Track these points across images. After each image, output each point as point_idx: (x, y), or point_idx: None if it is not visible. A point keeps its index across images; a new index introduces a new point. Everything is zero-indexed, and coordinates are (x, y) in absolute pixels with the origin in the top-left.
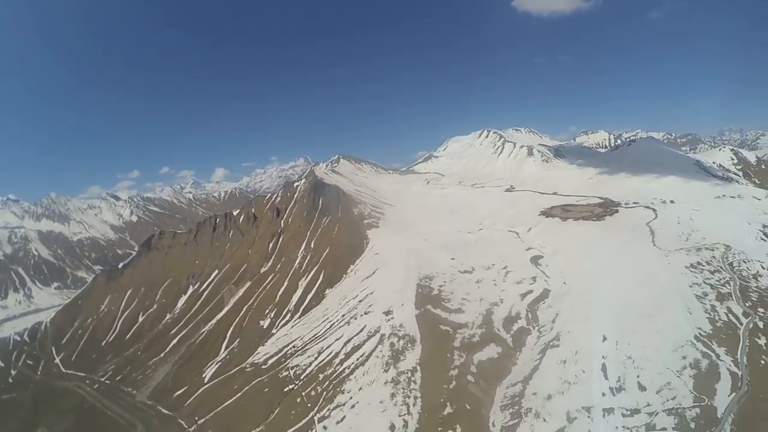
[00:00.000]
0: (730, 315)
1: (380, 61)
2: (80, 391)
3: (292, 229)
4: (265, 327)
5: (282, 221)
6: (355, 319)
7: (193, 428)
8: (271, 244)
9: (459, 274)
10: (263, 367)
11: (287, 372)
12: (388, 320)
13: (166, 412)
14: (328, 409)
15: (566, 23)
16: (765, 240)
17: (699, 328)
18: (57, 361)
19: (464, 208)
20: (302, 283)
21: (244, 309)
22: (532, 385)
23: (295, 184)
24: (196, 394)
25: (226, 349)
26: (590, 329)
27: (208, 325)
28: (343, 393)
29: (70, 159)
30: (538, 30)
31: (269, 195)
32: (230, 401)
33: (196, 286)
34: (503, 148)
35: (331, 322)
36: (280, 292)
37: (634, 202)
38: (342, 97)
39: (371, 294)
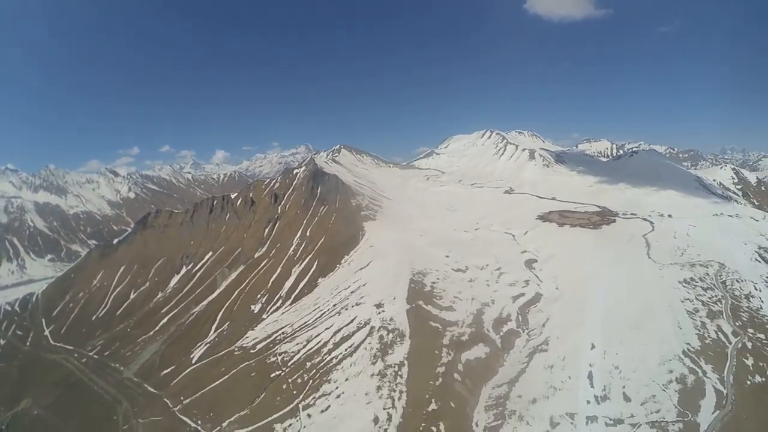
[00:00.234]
0: (719, 333)
1: (387, 54)
2: (68, 365)
3: (289, 215)
4: (255, 312)
5: (279, 207)
6: (346, 309)
7: (178, 408)
8: (266, 230)
9: (452, 272)
10: (251, 351)
11: (275, 358)
12: (379, 313)
13: (152, 390)
14: (314, 398)
15: (576, 29)
16: (759, 261)
17: (687, 344)
18: (46, 333)
19: (462, 206)
20: (295, 271)
21: (236, 292)
22: (518, 388)
23: (295, 171)
24: (183, 374)
25: (215, 331)
26: (579, 336)
27: (199, 306)
28: (329, 382)
29: (72, 131)
30: (547, 34)
31: (268, 180)
32: (216, 383)
33: (189, 267)
34: (505, 149)
35: (322, 311)
36: (272, 278)
37: (632, 213)
38: (347, 87)
39: (363, 286)
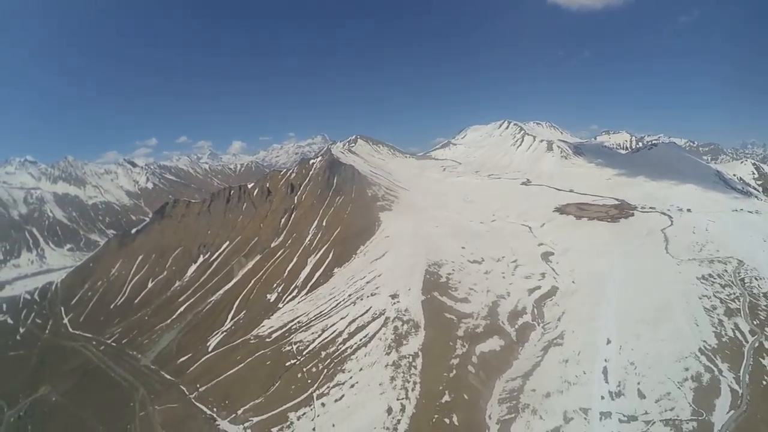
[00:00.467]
0: (736, 331)
1: (405, 45)
2: (86, 352)
3: (305, 205)
4: (271, 301)
5: (295, 197)
6: (361, 299)
7: (194, 395)
8: (283, 220)
9: (468, 264)
10: (267, 340)
11: (290, 347)
12: (394, 304)
13: (169, 377)
14: (328, 387)
15: (595, 19)
16: None
17: (704, 341)
18: (65, 321)
19: (479, 197)
20: (311, 260)
21: (252, 282)
22: (532, 382)
23: (311, 162)
24: (199, 362)
25: (231, 319)
26: (595, 331)
27: (215, 295)
28: (343, 372)
29: (90, 123)
30: (565, 23)
31: (284, 170)
32: (232, 371)
33: (206, 256)
34: (522, 140)
35: (337, 301)
36: (288, 268)
37: (650, 207)
38: (364, 78)
39: (379, 276)
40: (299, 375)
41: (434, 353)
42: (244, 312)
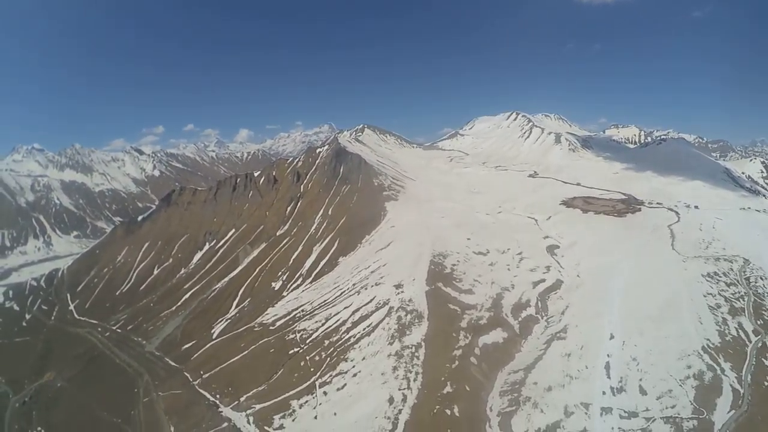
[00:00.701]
0: (740, 331)
1: (415, 38)
2: (91, 338)
3: (311, 194)
4: (276, 289)
5: (302, 186)
6: (366, 289)
7: (197, 381)
8: (289, 208)
9: (473, 255)
10: (271, 328)
11: (294, 335)
12: (398, 294)
13: (173, 364)
14: (330, 375)
15: (607, 11)
16: None
17: (707, 340)
18: (71, 307)
19: (485, 189)
20: (316, 249)
21: (258, 269)
22: (534, 375)
23: (318, 150)
24: (203, 349)
25: (236, 307)
26: (599, 326)
27: (220, 283)
28: (346, 361)
29: (98, 112)
30: (575, 15)
31: (291, 159)
32: (236, 359)
33: (212, 244)
34: (531, 132)
35: (342, 290)
36: (294, 256)
37: (657, 203)
38: (372, 68)
39: (384, 266)
40: (302, 363)
41: (437, 344)
42: (248, 300)
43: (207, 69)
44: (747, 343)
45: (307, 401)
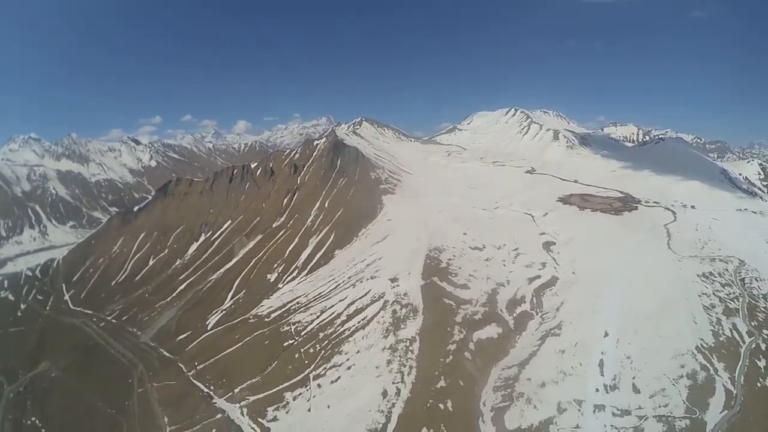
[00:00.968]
0: (734, 331)
1: (413, 30)
2: (86, 329)
3: (308, 186)
4: (271, 281)
5: (298, 178)
6: (361, 282)
7: (191, 373)
8: (285, 200)
9: (469, 250)
10: (266, 320)
11: (288, 327)
12: (393, 287)
13: (168, 354)
14: (324, 368)
15: (608, 8)
16: None
17: (701, 340)
18: (66, 297)
19: (482, 184)
20: (312, 242)
21: (253, 261)
22: (528, 371)
23: (315, 143)
24: (198, 340)
25: (231, 298)
26: (593, 323)
27: (216, 274)
28: (340, 354)
29: (95, 101)
30: (576, 12)
31: (288, 151)
32: (230, 350)
33: (208, 235)
34: (529, 128)
35: (337, 283)
36: (289, 248)
37: (654, 202)
38: (371, 60)
39: (379, 260)
40: (296, 355)
41: (432, 338)
42: (244, 291)
43: (205, 60)
44: (741, 344)
45: (301, 393)
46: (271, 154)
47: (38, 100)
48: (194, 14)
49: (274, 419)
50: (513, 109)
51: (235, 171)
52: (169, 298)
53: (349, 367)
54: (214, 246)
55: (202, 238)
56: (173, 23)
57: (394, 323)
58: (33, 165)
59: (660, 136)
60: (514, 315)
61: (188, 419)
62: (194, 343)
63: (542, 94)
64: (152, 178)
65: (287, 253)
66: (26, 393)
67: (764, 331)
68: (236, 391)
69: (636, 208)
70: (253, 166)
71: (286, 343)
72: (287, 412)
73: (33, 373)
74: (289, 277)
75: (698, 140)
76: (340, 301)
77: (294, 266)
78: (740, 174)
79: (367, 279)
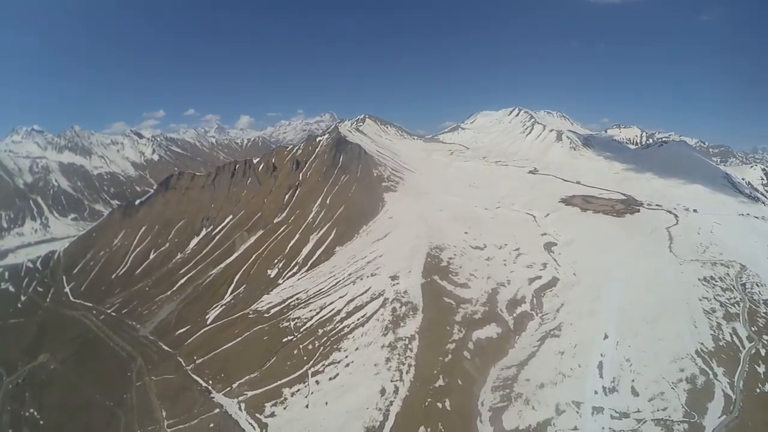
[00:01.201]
0: (734, 336)
1: (418, 28)
2: (86, 321)
3: (310, 183)
4: (271, 276)
5: (300, 174)
6: (361, 279)
7: (190, 367)
8: (287, 196)
9: (470, 249)
10: (265, 315)
11: (288, 323)
12: (394, 285)
13: (167, 348)
14: (323, 365)
15: (613, 10)
16: None
17: (701, 344)
18: (67, 290)
19: (485, 183)
20: (313, 238)
21: (254, 257)
22: (527, 371)
23: (318, 139)
24: (197, 334)
25: (231, 293)
26: (593, 325)
27: (216, 269)
28: (339, 351)
29: (99, 93)
30: (581, 13)
31: (291, 146)
32: (229, 345)
33: (209, 229)
34: (532, 129)
35: (337, 280)
36: (290, 244)
37: (656, 204)
38: (375, 57)
39: (380, 257)
40: (295, 351)
41: (431, 337)
42: (244, 286)
43: (209, 55)
44: (741, 349)
45: (299, 390)
46: (274, 149)
47: (41, 92)
48: (199, 8)
49: (272, 415)
50: (516, 109)
51: (237, 166)
52: (169, 292)
53: (347, 365)
54: (214, 241)
55: (203, 232)
56: (178, 17)
57: (393, 321)
58: (35, 157)
59: (663, 139)
60: (514, 315)
61: (186, 413)
62: (193, 338)
63: (546, 95)
64: (154, 172)
65: (288, 249)
66: (25, 385)
67: (764, 336)
68: (234, 386)
69: (638, 211)
70: (255, 161)
71: (285, 339)
72: (285, 408)
73: (32, 365)
74: (290, 273)
75: (701, 144)
76: (340, 297)
77: (294, 262)
78: (743, 179)
79: (368, 276)
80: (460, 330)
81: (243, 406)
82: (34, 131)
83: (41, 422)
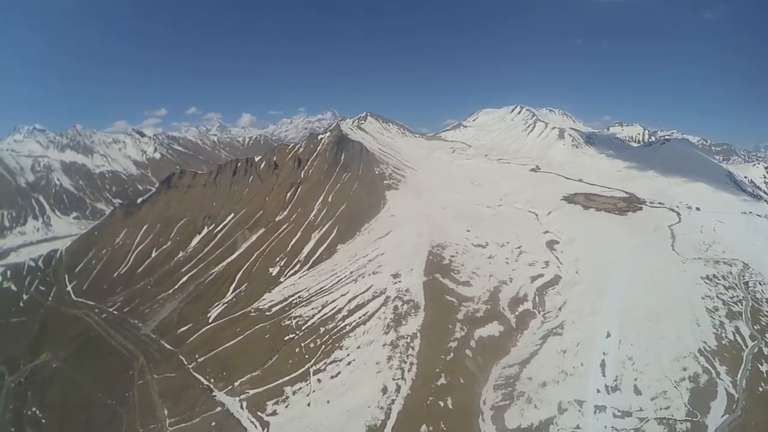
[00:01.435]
0: (737, 335)
1: (421, 26)
2: (88, 320)
3: (312, 181)
4: (273, 274)
5: (302, 172)
6: (363, 277)
7: (192, 365)
8: (288, 194)
9: (472, 247)
10: (267, 313)
11: (290, 321)
12: (395, 283)
13: (169, 347)
14: (325, 363)
15: (617, 8)
16: None
17: (704, 342)
18: (68, 288)
19: (487, 181)
20: (315, 236)
21: (255, 255)
22: (529, 370)
23: (319, 137)
24: (199, 333)
25: (233, 291)
26: (596, 323)
27: (218, 267)
28: (341, 349)
29: (101, 92)
30: (585, 11)
31: (292, 145)
32: (231, 343)
33: (211, 228)
34: (534, 126)
35: (339, 278)
36: (292, 242)
37: (659, 203)
38: (378, 55)
39: (382, 255)
40: (297, 350)
41: (433, 335)
42: (245, 285)
43: (211, 53)
44: (743, 347)
45: (300, 388)
46: (275, 147)
47: (43, 91)
48: (202, 7)
49: (274, 413)
50: (519, 107)
51: (239, 164)
52: (170, 291)
53: (349, 363)
54: (216, 239)
55: (205, 230)
56: (181, 16)
57: (395, 319)
58: (37, 156)
59: (666, 137)
60: (516, 313)
61: (188, 412)
62: (195, 336)
63: (548, 93)
64: (156, 171)
65: (289, 247)
66: (27, 383)
67: (767, 335)
68: (236, 384)
69: (640, 209)
70: (257, 159)
71: (287, 337)
72: (287, 407)
73: (34, 364)
74: (291, 271)
75: (704, 142)
76: (342, 296)
77: (296, 260)
78: (745, 177)
79: (369, 274)
80: (462, 328)
81: (245, 404)
82: (36, 130)
83: (43, 421)
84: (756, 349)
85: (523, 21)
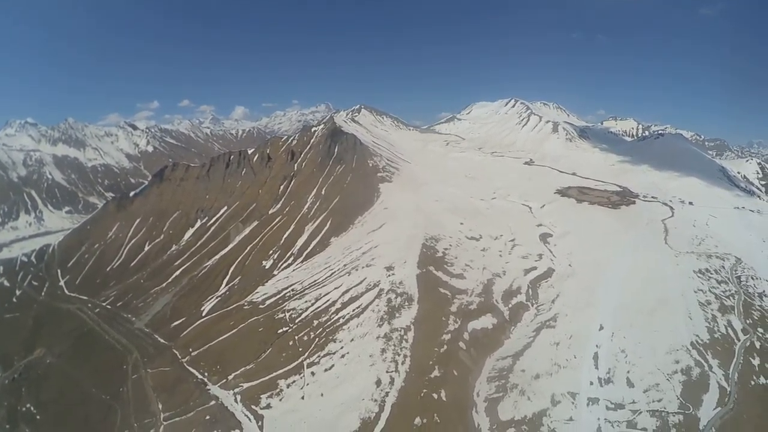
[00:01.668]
0: (729, 329)
1: (416, 19)
2: (81, 315)
3: (305, 173)
4: (267, 267)
5: (295, 165)
6: (356, 270)
7: (186, 359)
8: (282, 187)
9: (466, 240)
10: (260, 306)
11: (283, 314)
12: (389, 276)
13: (162, 341)
14: (318, 356)
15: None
16: None
17: (696, 336)
18: (61, 283)
19: (480, 174)
20: (308, 229)
21: (249, 248)
22: (522, 362)
23: (313, 129)
24: (192, 326)
25: (226, 285)
26: (589, 316)
27: (211, 260)
28: (334, 342)
29: (92, 85)
30: (581, 5)
31: (286, 137)
32: (224, 336)
33: (204, 221)
34: (528, 120)
35: (332, 271)
36: (285, 235)
37: (652, 197)
38: (372, 48)
39: (375, 248)
40: (291, 343)
41: (426, 327)
42: (239, 278)
43: (204, 45)
44: (735, 341)
45: (294, 381)
46: (269, 140)
47: (35, 84)
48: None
49: (268, 406)
50: (513, 100)
51: (232, 157)
52: (164, 284)
53: (343, 356)
54: (209, 232)
55: (198, 223)
56: (174, 8)
57: (389, 312)
58: (29, 150)
59: (659, 132)
60: (510, 306)
61: (182, 406)
62: (189, 330)
63: (542, 86)
64: (149, 163)
65: (283, 239)
66: (21, 379)
67: (759, 329)
68: (230, 377)
69: (634, 203)
70: (250, 152)
71: (281, 330)
72: (281, 400)
73: (28, 360)
74: (285, 264)
75: (698, 137)
76: (335, 288)
77: (289, 253)
78: (739, 172)
79: (363, 267)
80: (455, 321)
81: (239, 398)
82: (28, 124)
83: (38, 417)
84: (748, 343)
85: (517, 14)
